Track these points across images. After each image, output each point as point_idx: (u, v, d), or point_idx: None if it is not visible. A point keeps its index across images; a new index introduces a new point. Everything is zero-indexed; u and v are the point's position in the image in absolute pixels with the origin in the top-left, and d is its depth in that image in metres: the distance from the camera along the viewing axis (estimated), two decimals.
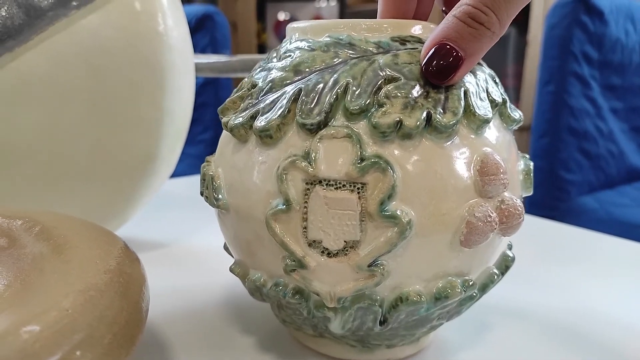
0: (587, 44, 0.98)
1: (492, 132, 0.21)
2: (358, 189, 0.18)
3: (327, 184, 0.19)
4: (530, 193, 0.23)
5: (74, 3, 0.30)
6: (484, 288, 0.22)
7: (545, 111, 1.02)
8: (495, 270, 0.22)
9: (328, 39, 0.21)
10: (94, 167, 0.32)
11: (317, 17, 2.36)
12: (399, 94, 0.19)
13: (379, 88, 0.19)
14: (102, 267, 0.19)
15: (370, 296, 0.20)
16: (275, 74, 0.21)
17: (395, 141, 0.19)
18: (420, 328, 0.22)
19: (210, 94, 1.23)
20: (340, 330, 0.21)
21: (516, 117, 0.22)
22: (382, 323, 0.21)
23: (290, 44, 0.22)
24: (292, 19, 2.49)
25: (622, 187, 1.10)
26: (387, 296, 0.20)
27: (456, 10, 0.19)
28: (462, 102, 0.19)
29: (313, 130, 0.19)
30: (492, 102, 0.21)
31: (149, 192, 0.36)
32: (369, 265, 0.19)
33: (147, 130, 0.33)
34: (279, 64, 0.21)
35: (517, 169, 0.22)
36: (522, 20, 1.74)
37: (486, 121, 0.20)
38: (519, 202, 0.21)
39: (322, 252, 0.19)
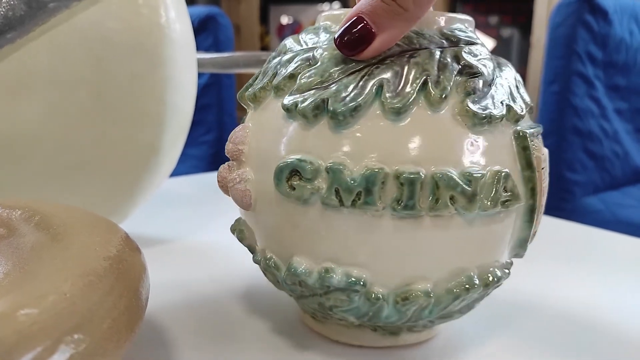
0: (591, 44, 0.98)
1: (274, 119, 0.21)
2: None
3: None
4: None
5: None
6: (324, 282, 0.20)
7: (549, 111, 1.01)
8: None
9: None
10: (96, 159, 0.32)
11: None
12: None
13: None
14: (101, 253, 0.18)
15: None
16: None
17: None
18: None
19: (213, 96, 1.23)
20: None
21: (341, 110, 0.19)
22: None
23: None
24: (295, 22, 2.49)
25: (627, 188, 1.10)
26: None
27: None
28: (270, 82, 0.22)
29: None
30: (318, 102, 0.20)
31: (150, 187, 0.36)
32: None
33: (150, 123, 0.33)
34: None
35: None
36: (525, 23, 1.73)
37: (287, 109, 0.20)
38: (231, 175, 0.22)
39: None
